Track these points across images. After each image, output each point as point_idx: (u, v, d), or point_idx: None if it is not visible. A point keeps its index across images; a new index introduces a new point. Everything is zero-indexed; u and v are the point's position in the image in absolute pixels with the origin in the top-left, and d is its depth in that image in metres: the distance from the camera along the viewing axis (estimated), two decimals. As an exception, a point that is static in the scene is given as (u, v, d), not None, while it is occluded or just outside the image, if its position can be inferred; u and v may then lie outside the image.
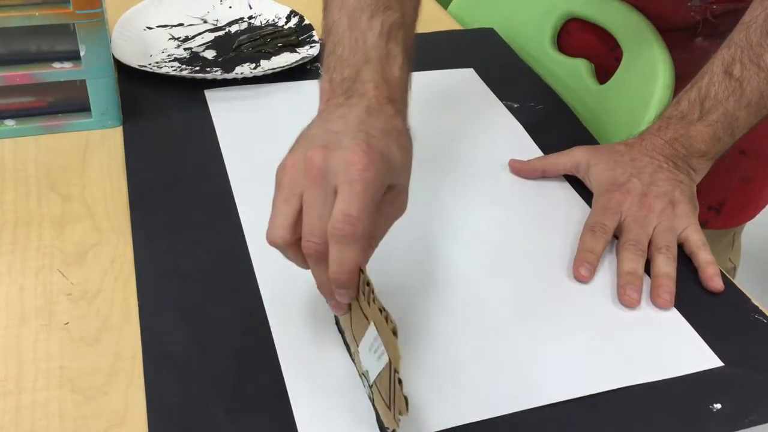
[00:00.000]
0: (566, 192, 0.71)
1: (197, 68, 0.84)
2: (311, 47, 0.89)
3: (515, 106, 0.84)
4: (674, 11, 0.83)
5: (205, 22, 0.94)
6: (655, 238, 0.63)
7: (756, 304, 0.61)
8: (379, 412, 0.50)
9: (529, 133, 0.79)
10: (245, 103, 0.80)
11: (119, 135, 0.74)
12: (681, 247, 0.64)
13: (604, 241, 0.63)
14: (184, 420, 0.48)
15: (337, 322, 0.55)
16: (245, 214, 0.65)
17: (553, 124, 0.82)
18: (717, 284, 0.61)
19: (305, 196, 0.46)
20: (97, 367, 0.51)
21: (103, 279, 0.58)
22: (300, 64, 0.86)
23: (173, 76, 0.81)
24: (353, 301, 0.49)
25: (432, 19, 1.04)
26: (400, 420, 0.46)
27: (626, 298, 0.59)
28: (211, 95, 0.80)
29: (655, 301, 0.59)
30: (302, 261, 0.48)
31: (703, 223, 0.67)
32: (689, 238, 0.64)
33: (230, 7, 0.97)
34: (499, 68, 0.92)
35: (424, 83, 0.86)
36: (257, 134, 0.75)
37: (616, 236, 0.64)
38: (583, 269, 0.61)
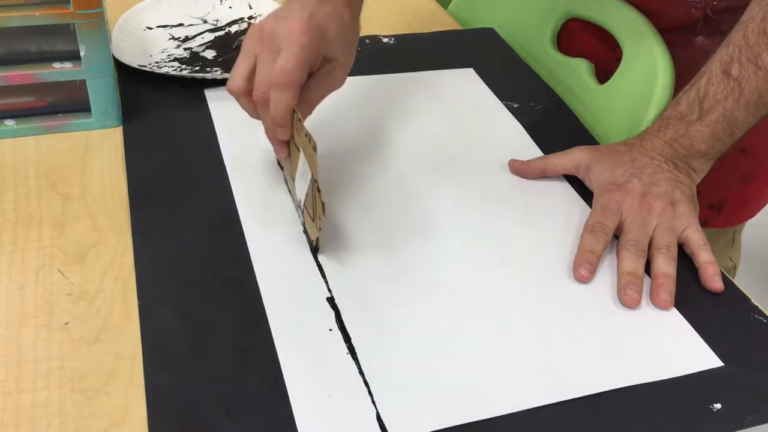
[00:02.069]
0: (566, 192, 0.71)
1: (197, 68, 0.84)
2: (311, 47, 0.89)
3: (515, 106, 0.84)
4: (675, 8, 0.83)
5: (205, 22, 0.94)
6: (656, 238, 0.63)
7: (756, 304, 0.61)
8: (307, 230, 0.61)
9: (529, 133, 0.79)
10: (245, 103, 0.80)
11: (119, 135, 0.74)
12: (681, 247, 0.64)
13: (604, 241, 0.63)
14: (184, 420, 0.48)
15: (286, 181, 0.68)
16: (245, 214, 0.65)
17: (553, 124, 0.82)
18: (717, 284, 0.61)
19: (258, 57, 0.59)
20: (97, 367, 0.51)
21: (103, 279, 0.58)
22: (300, 64, 0.85)
23: (173, 76, 0.81)
24: (292, 146, 0.61)
25: (432, 19, 1.04)
26: (320, 227, 0.58)
27: (626, 299, 0.59)
28: (211, 95, 0.80)
29: (655, 301, 0.59)
30: (252, 109, 0.61)
31: (704, 222, 0.67)
32: (690, 237, 0.64)
33: (230, 7, 0.97)
34: (499, 68, 0.92)
35: (424, 83, 0.87)
36: (257, 134, 0.75)
37: (617, 236, 0.64)
38: (583, 269, 0.61)
